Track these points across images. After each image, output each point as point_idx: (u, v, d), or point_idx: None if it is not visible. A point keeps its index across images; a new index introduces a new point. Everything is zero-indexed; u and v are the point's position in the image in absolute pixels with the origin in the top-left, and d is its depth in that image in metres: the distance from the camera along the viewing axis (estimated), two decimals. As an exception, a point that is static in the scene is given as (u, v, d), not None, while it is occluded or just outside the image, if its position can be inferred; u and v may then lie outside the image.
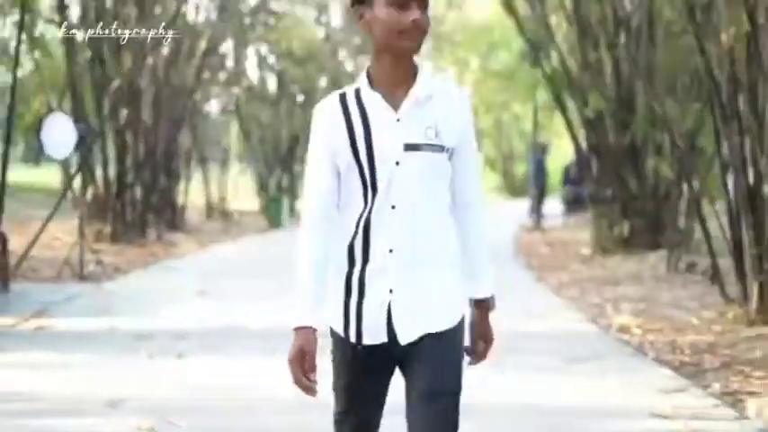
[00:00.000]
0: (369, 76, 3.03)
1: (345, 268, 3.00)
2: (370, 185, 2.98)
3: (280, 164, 29.16)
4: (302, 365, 2.92)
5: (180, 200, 22.38)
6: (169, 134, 20.42)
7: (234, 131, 32.39)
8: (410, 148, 2.96)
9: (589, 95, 15.10)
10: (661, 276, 12.84)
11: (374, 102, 2.99)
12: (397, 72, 3.00)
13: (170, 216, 21.22)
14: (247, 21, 24.48)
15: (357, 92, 3.02)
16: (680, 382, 6.84)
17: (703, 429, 5.58)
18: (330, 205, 3.02)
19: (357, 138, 2.98)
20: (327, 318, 3.06)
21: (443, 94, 3.04)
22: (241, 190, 30.43)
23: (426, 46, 31.09)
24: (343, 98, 3.03)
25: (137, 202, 18.92)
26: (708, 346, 8.08)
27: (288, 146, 29.30)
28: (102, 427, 5.61)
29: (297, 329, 2.95)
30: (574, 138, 16.54)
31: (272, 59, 29.17)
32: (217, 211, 27.12)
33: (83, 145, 13.15)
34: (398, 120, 2.99)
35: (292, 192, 29.14)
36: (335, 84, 28.24)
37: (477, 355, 3.15)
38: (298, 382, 2.94)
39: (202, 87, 23.03)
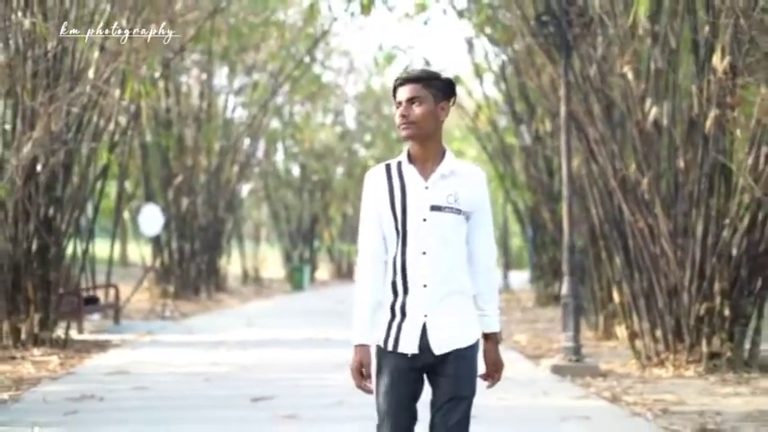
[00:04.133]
0: (408, 154, 3.86)
1: (390, 299, 3.80)
2: (401, 234, 3.78)
3: (302, 239, 35.08)
4: (361, 373, 3.78)
5: (223, 268, 28.04)
6: (216, 218, 26.13)
7: (264, 212, 38.25)
8: (435, 208, 3.77)
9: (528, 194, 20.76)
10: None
11: (410, 172, 3.82)
12: (422, 152, 3.85)
13: (215, 281, 26.86)
14: (278, 125, 30.36)
15: (399, 164, 3.86)
16: (531, 361, 12.16)
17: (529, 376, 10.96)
18: (379, 251, 3.84)
19: (395, 197, 3.79)
20: (375, 338, 3.84)
21: (464, 171, 3.86)
22: (270, 260, 36.26)
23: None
24: (388, 168, 3.87)
25: (192, 269, 24.63)
26: (561, 348, 13.49)
27: (309, 224, 35.21)
28: (213, 368, 11.12)
29: (356, 347, 3.79)
30: (521, 222, 22.19)
31: (295, 150, 35.07)
32: (250, 277, 32.90)
33: (167, 227, 18.88)
34: (427, 187, 3.80)
35: (312, 262, 35.00)
36: (350, 173, 34.24)
37: (492, 377, 3.94)
38: (358, 384, 3.80)
39: (243, 176, 28.58)
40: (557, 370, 11.03)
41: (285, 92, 26.89)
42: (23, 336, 12.99)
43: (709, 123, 10.47)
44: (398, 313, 3.79)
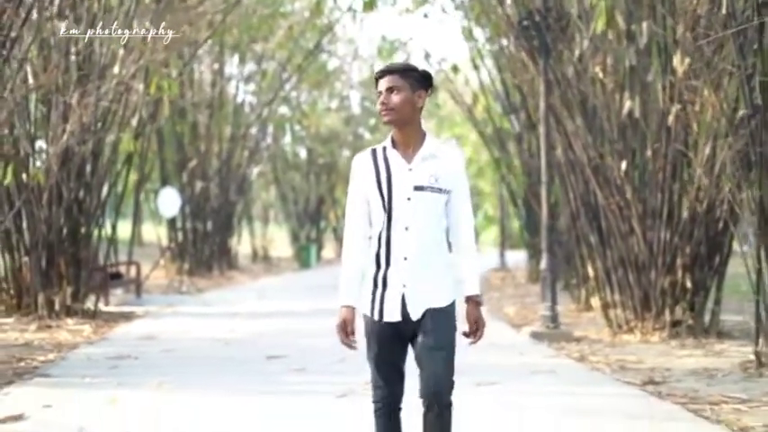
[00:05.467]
0: (392, 139, 4.27)
1: (373, 270, 4.21)
2: (386, 212, 4.18)
3: (309, 219, 36.50)
4: (345, 330, 4.21)
5: (234, 248, 29.42)
6: (227, 200, 27.48)
7: (272, 194, 39.63)
8: (418, 188, 4.17)
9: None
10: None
11: (394, 156, 4.21)
12: (404, 137, 4.24)
13: (227, 259, 28.24)
14: (286, 111, 31.70)
15: (384, 149, 4.25)
16: (515, 329, 13.54)
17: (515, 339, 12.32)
18: (364, 227, 4.26)
19: (381, 180, 4.17)
20: (361, 306, 4.22)
21: (444, 153, 4.25)
22: (278, 240, 37.68)
23: (430, 123, 38.19)
24: (374, 152, 4.27)
25: (205, 248, 26.02)
26: (540, 316, 14.86)
27: (315, 205, 36.61)
28: (230, 334, 12.48)
29: (341, 307, 4.21)
30: (515, 204, 23.54)
31: (302, 134, 36.42)
32: (260, 256, 34.32)
33: (182, 209, 20.26)
34: (410, 169, 4.19)
35: (318, 241, 36.40)
36: (355, 156, 35.72)
37: (474, 335, 4.29)
38: (342, 341, 4.22)
39: (252, 161, 29.92)
40: (535, 335, 12.40)
41: (293, 80, 28.17)
42: (57, 307, 14.36)
43: (671, 118, 11.79)
44: (380, 284, 4.19)
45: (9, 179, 12.51)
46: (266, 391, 8.19)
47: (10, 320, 13.88)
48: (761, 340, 9.64)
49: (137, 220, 19.48)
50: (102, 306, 15.64)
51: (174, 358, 10.34)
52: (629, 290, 12.68)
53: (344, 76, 36.34)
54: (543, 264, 12.79)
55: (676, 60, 11.35)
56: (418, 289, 4.17)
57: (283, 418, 7.08)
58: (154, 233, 27.35)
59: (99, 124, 14.54)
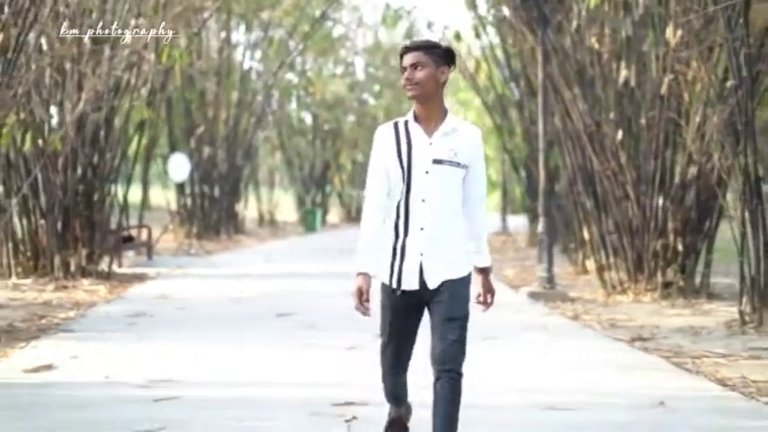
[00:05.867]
0: (414, 114, 4.41)
1: (392, 240, 4.36)
2: (405, 184, 4.33)
3: (314, 184, 37.04)
4: (360, 297, 4.32)
5: (240, 212, 29.97)
6: (234, 165, 27.98)
7: (278, 159, 40.15)
8: (437, 162, 4.33)
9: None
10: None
11: (416, 130, 4.36)
12: (427, 112, 4.37)
13: (234, 223, 28.79)
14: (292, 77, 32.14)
15: (406, 122, 4.40)
16: (513, 290, 14.06)
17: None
18: (383, 197, 4.39)
19: (402, 152, 4.33)
20: (379, 275, 4.36)
21: (463, 129, 4.39)
22: (284, 205, 38.25)
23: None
24: (396, 125, 4.41)
25: (213, 212, 26.58)
26: (538, 277, 15.36)
27: (320, 171, 37.12)
28: (240, 294, 13.04)
29: (358, 274, 4.35)
30: (516, 170, 24.05)
31: (308, 101, 36.91)
32: (266, 220, 34.91)
33: (191, 174, 20.79)
34: (431, 143, 4.35)
35: (324, 206, 36.97)
36: (360, 122, 36.10)
37: (485, 303, 4.50)
38: (357, 307, 4.34)
39: (259, 127, 30.39)
40: (532, 296, 12.96)
41: (299, 47, 28.60)
42: (73, 268, 14.92)
43: (664, 87, 12.28)
44: (399, 253, 4.34)
45: (28, 145, 13.05)
46: (278, 343, 8.76)
47: (27, 281, 14.44)
48: (744, 299, 10.19)
49: (146, 185, 20.02)
50: (115, 268, 16.18)
51: (188, 315, 10.91)
52: (623, 253, 13.21)
53: (349, 43, 36.74)
54: (540, 227, 13.32)
55: (669, 32, 11.81)
56: (435, 259, 4.33)
57: (295, 366, 7.64)
58: (162, 197, 27.94)
59: (112, 93, 15.02)
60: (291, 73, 32.25)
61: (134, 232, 19.21)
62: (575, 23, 13.35)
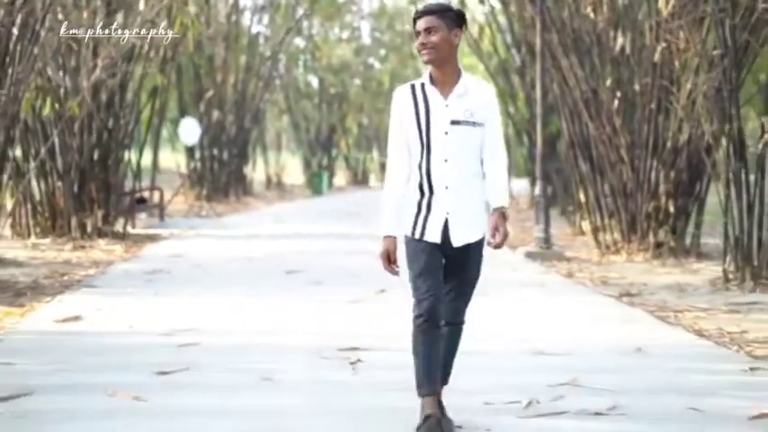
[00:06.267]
0: (430, 77, 4.55)
1: (417, 197, 4.53)
2: (425, 146, 4.49)
3: (320, 148, 37.60)
4: (388, 258, 4.53)
5: (248, 174, 30.56)
6: (242, 128, 28.55)
7: (285, 122, 40.71)
8: (454, 122, 4.48)
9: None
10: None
11: (432, 93, 4.51)
12: (442, 75, 4.52)
13: (242, 185, 29.39)
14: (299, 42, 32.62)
15: (422, 85, 4.54)
16: (512, 250, 14.66)
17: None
18: (404, 160, 4.55)
19: (420, 114, 4.48)
20: (403, 229, 4.57)
21: (477, 89, 4.55)
22: (291, 167, 38.85)
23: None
24: (413, 87, 4.56)
25: (222, 175, 27.19)
26: (535, 238, 15.97)
27: (327, 134, 37.67)
28: (251, 253, 13.65)
29: (384, 237, 4.53)
30: (519, 135, 24.60)
31: (314, 65, 37.43)
32: (273, 183, 35.52)
33: (201, 138, 21.37)
34: (447, 105, 4.49)
35: (330, 169, 37.56)
36: (365, 86, 36.61)
37: (497, 243, 4.55)
38: (385, 268, 4.55)
39: (266, 91, 30.93)
40: (529, 255, 13.56)
41: (306, 13, 29.07)
42: (89, 229, 15.54)
43: (657, 55, 12.80)
44: (424, 209, 4.53)
45: (47, 111, 13.63)
46: (287, 297, 9.38)
47: (46, 241, 15.06)
48: (728, 258, 10.78)
49: (156, 149, 20.62)
50: (129, 229, 16.79)
51: (202, 272, 11.53)
52: (618, 214, 13.79)
53: (355, 8, 37.17)
54: (537, 189, 13.90)
55: (662, 2, 12.33)
56: (460, 217, 4.52)
57: (303, 317, 8.26)
58: (172, 160, 28.52)
59: (126, 60, 15.57)
60: (299, 38, 32.70)
61: (146, 194, 19.82)
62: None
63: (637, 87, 13.41)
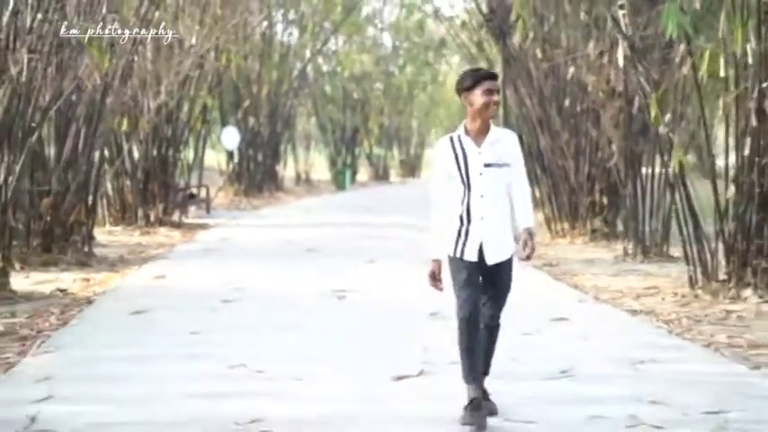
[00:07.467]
0: (465, 128, 5.49)
1: (458, 225, 5.45)
2: (466, 185, 5.44)
3: (345, 147, 41.92)
4: (434, 278, 5.50)
5: (280, 172, 34.72)
6: (274, 132, 32.69)
7: (312, 123, 44.97)
8: (487, 165, 5.42)
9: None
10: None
11: (468, 142, 5.46)
12: (480, 127, 5.44)
13: (275, 182, 33.55)
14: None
15: (459, 137, 5.48)
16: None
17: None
18: (446, 196, 5.52)
19: (459, 161, 5.44)
20: (446, 250, 5.49)
21: (505, 137, 5.50)
22: (318, 165, 43.13)
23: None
24: (451, 140, 5.51)
25: (258, 173, 31.40)
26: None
27: (351, 134, 41.93)
28: (284, 237, 17.70)
29: (432, 260, 5.50)
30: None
31: (337, 78, 41.64)
32: (302, 179, 39.78)
33: (241, 142, 25.53)
34: (480, 152, 5.44)
35: (353, 166, 41.91)
36: (386, 92, 40.78)
37: (527, 254, 5.49)
38: (431, 284, 5.51)
39: (295, 98, 35.11)
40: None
41: (330, 34, 33.28)
42: (152, 219, 19.71)
43: (590, 86, 16.75)
44: (463, 236, 5.44)
45: (125, 127, 17.80)
46: (304, 265, 13.43)
47: (118, 229, 19.22)
48: (627, 239, 14.73)
49: (203, 150, 24.78)
50: (183, 219, 20.92)
51: (246, 251, 15.61)
52: (565, 207, 17.74)
53: (377, 20, 41.27)
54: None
55: (590, 47, 16.29)
56: (493, 241, 5.44)
57: (313, 276, 12.27)
58: (214, 160, 32.78)
59: (181, 86, 19.73)
60: (322, 57, 36.96)
61: (195, 191, 23.97)
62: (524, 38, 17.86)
63: (578, 108, 17.37)
